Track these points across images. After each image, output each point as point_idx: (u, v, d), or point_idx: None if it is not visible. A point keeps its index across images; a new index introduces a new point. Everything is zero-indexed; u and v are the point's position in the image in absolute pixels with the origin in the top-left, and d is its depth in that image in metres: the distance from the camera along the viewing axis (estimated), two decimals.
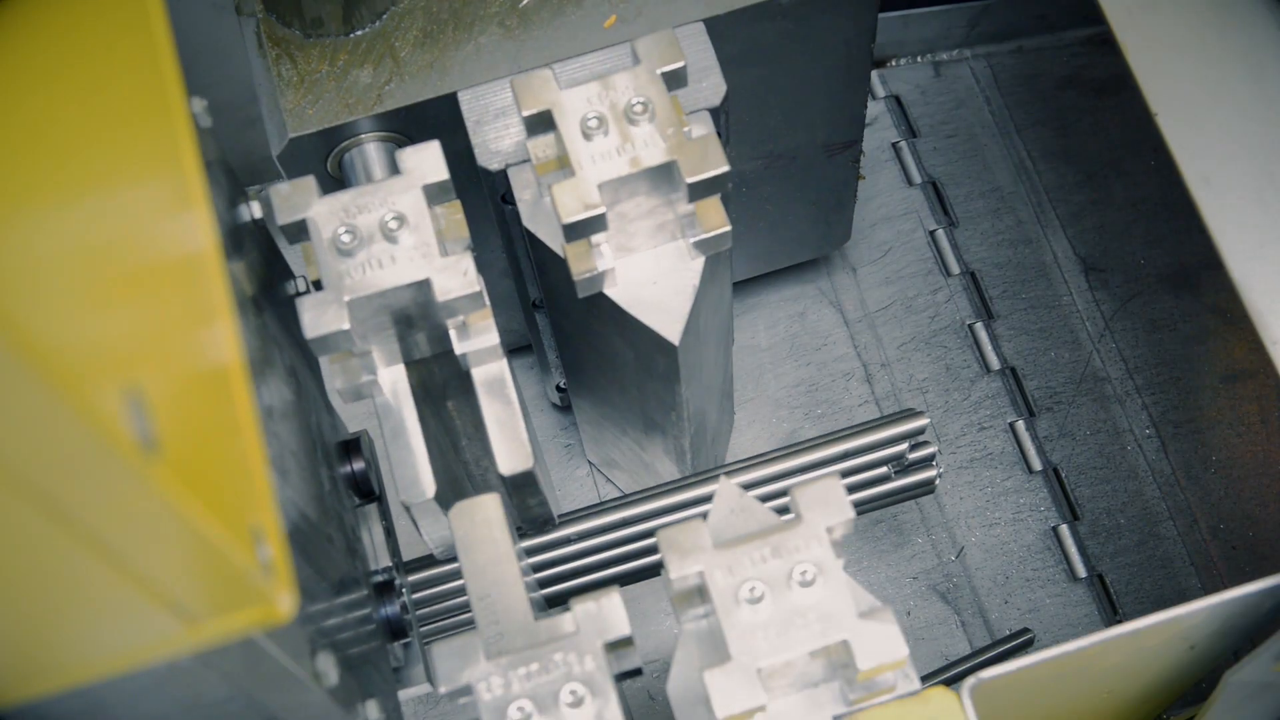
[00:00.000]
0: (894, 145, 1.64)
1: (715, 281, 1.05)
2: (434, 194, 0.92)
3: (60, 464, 0.52)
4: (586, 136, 0.95)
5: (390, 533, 1.05)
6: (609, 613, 0.83)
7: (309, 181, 0.92)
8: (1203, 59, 1.08)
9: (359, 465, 1.03)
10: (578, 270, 0.97)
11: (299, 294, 1.01)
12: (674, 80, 0.97)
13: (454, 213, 0.94)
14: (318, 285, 0.91)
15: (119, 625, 0.61)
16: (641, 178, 0.94)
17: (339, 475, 1.00)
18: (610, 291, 1.00)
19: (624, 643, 0.82)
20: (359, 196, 0.91)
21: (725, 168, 0.94)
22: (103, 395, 0.54)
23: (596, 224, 0.94)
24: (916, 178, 1.62)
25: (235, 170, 1.54)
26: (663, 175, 0.95)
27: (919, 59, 1.69)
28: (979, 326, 1.54)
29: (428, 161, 0.92)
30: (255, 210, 0.94)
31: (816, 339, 1.55)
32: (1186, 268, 1.54)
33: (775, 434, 1.49)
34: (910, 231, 1.59)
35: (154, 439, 0.56)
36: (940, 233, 1.59)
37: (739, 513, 0.91)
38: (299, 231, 0.92)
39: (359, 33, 1.07)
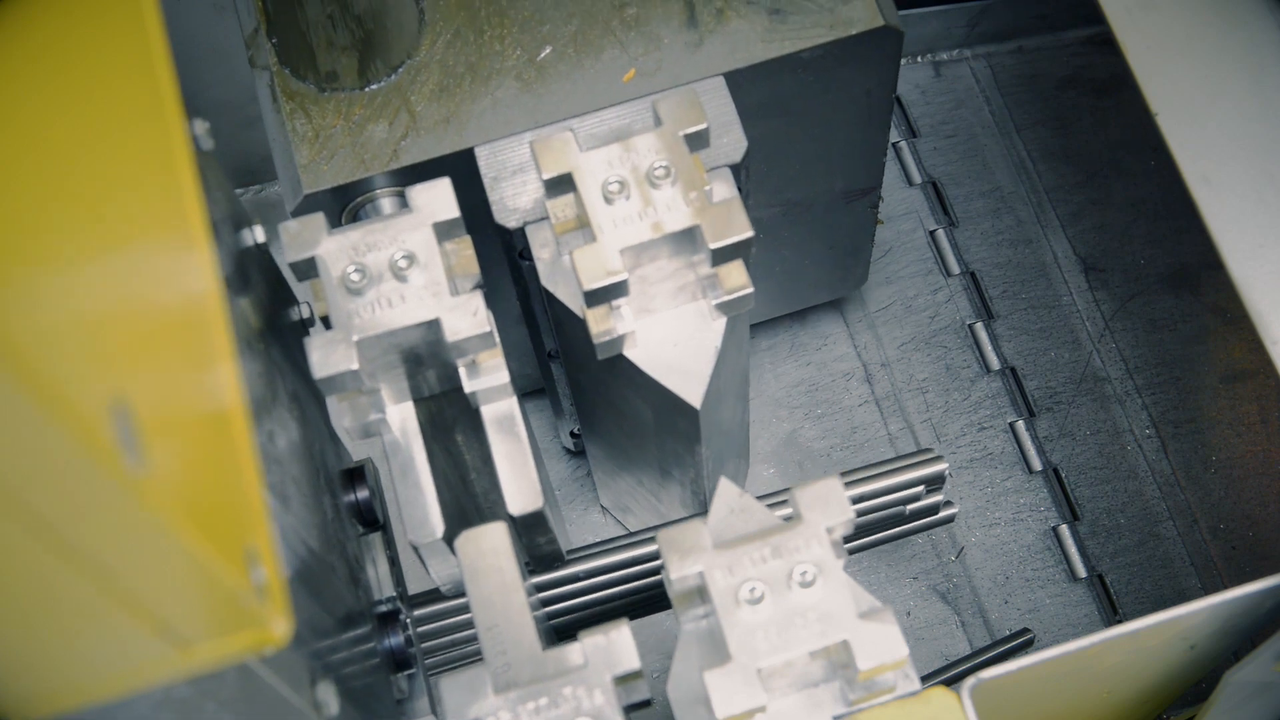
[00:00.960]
0: (894, 145, 1.64)
1: (735, 338, 1.03)
2: (444, 231, 0.91)
3: (44, 479, 0.51)
4: (608, 200, 0.93)
5: (395, 562, 1.04)
6: (618, 646, 0.82)
7: (318, 219, 0.91)
8: (1203, 59, 1.08)
9: (363, 494, 1.01)
10: (598, 333, 0.95)
11: (304, 320, 1.00)
12: (696, 141, 0.95)
13: (464, 248, 0.92)
14: (325, 319, 0.90)
15: (108, 647, 0.60)
16: (664, 242, 0.93)
17: (342, 503, 0.99)
18: (630, 353, 0.98)
19: (633, 675, 0.82)
20: (368, 234, 0.90)
21: (749, 233, 0.92)
22: (87, 408, 0.53)
23: (618, 290, 0.93)
24: (916, 178, 1.62)
25: (234, 171, 1.52)
26: (685, 239, 0.93)
27: (919, 59, 1.69)
28: (979, 326, 1.54)
29: (438, 199, 0.91)
30: (259, 234, 0.93)
31: (816, 339, 1.55)
32: (1186, 268, 1.54)
33: (775, 434, 1.49)
34: (910, 231, 1.59)
35: (141, 454, 0.55)
36: (940, 233, 1.59)
37: (739, 513, 0.91)
38: (308, 269, 0.90)
39: (374, 86, 1.06)
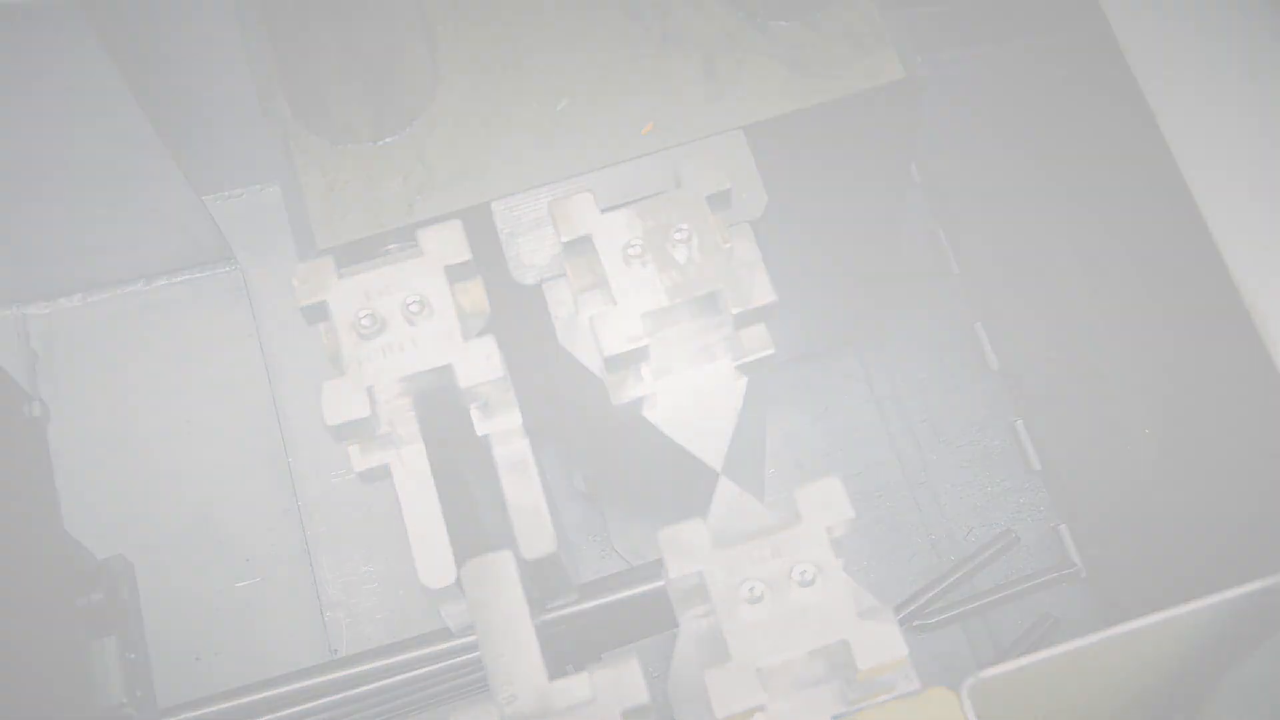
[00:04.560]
0: None
1: (755, 395, 1.02)
2: (456, 274, 0.91)
3: None
4: (628, 264, 0.92)
5: (136, 665, 0.99)
6: (627, 679, 0.81)
7: (327, 262, 0.91)
8: (1203, 59, 1.08)
9: (96, 596, 0.97)
10: (618, 399, 0.95)
11: (35, 417, 0.97)
12: (718, 202, 0.94)
13: (474, 287, 0.92)
14: (334, 362, 0.90)
15: None
16: (685, 307, 0.92)
17: (68, 605, 0.95)
18: (650, 414, 0.97)
19: (643, 710, 0.81)
20: (379, 278, 0.90)
21: (773, 298, 0.91)
22: None
23: (639, 355, 0.92)
24: (916, 177, 1.62)
25: (233, 170, 1.51)
26: (707, 303, 0.93)
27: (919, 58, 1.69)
28: (979, 327, 1.54)
29: (449, 241, 0.91)
30: None
31: None
32: (1186, 268, 1.55)
33: (773, 434, 1.49)
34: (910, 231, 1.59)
35: None
36: (940, 232, 1.59)
37: (738, 512, 0.91)
38: (318, 313, 0.90)
39: (388, 139, 1.03)
